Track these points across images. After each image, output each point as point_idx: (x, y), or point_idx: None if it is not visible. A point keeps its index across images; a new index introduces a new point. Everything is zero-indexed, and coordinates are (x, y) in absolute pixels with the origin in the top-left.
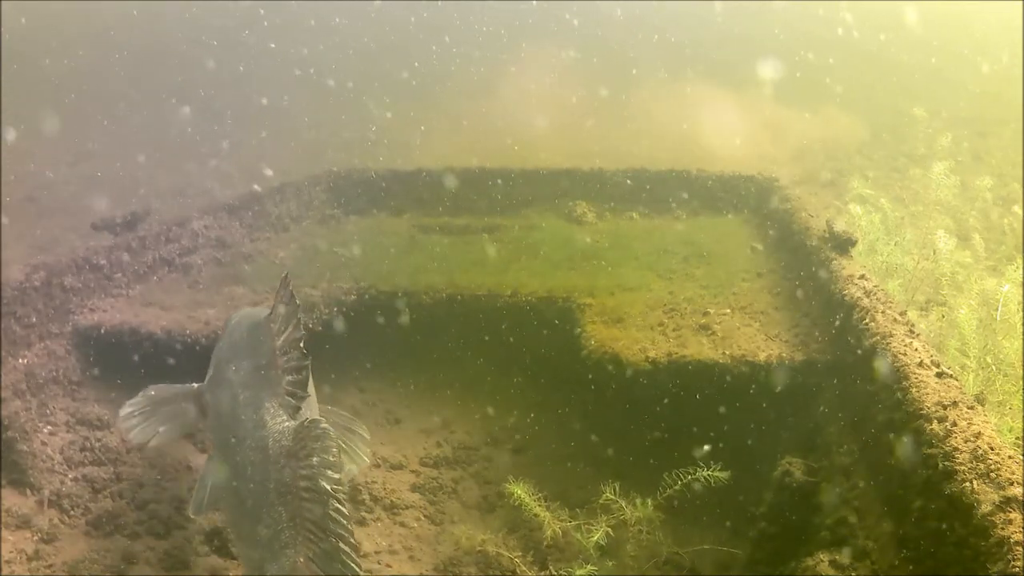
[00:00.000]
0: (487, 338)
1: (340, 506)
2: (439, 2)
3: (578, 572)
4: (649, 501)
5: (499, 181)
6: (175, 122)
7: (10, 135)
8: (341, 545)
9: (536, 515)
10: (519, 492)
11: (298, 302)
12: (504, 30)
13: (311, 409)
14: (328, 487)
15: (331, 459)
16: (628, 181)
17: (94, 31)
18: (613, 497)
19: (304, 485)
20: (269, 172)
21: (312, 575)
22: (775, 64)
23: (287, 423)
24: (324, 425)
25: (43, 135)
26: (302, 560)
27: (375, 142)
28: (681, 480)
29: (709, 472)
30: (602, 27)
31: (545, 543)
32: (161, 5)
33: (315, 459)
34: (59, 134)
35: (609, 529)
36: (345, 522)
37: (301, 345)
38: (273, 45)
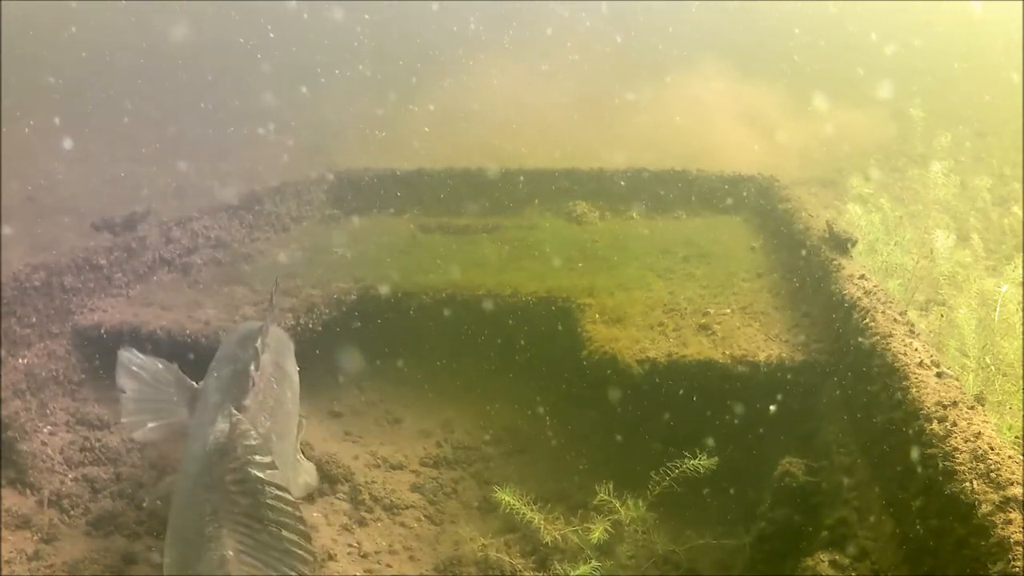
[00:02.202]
0: (487, 338)
1: (280, 493)
2: (459, 2)
3: (579, 570)
4: (640, 502)
5: (499, 181)
6: (176, 122)
7: (11, 135)
8: (285, 533)
9: (531, 520)
10: (508, 498)
11: (275, 309)
12: (512, 31)
13: (287, 427)
14: (259, 475)
15: (253, 443)
16: (622, 183)
17: (95, 31)
18: (608, 498)
19: (231, 479)
20: (269, 172)
21: (249, 571)
22: (797, 65)
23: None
24: (248, 414)
25: (44, 135)
26: (230, 554)
27: (377, 142)
28: (670, 474)
29: (697, 461)
30: (616, 26)
31: (544, 543)
32: (163, 5)
33: (238, 450)
34: (60, 134)
35: (609, 528)
36: (289, 508)
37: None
38: (272, 34)
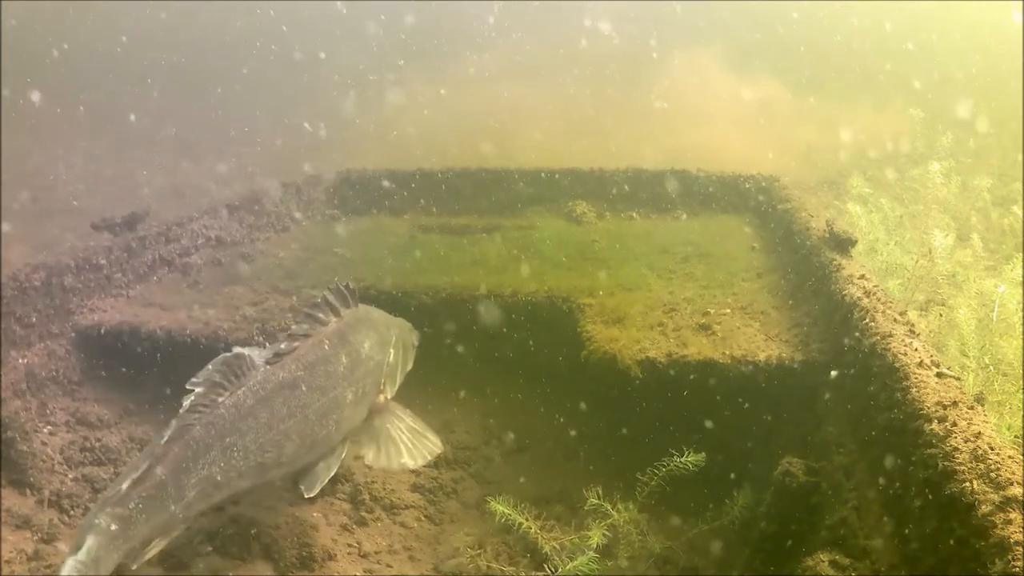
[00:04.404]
0: (487, 338)
1: (192, 424)
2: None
3: (575, 562)
4: (632, 504)
5: (499, 181)
6: (176, 122)
7: (11, 134)
8: (175, 449)
9: (529, 528)
10: (502, 508)
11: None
12: (521, 33)
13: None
14: (192, 402)
15: (214, 380)
16: (623, 183)
17: (98, 31)
18: (598, 501)
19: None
20: (269, 172)
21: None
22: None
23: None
24: (278, 363)
25: (45, 134)
26: (101, 522)
27: (378, 142)
28: (658, 473)
29: (685, 459)
30: (631, 25)
31: (543, 551)
32: (165, 5)
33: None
34: (61, 134)
35: (607, 532)
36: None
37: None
38: (286, 28)
